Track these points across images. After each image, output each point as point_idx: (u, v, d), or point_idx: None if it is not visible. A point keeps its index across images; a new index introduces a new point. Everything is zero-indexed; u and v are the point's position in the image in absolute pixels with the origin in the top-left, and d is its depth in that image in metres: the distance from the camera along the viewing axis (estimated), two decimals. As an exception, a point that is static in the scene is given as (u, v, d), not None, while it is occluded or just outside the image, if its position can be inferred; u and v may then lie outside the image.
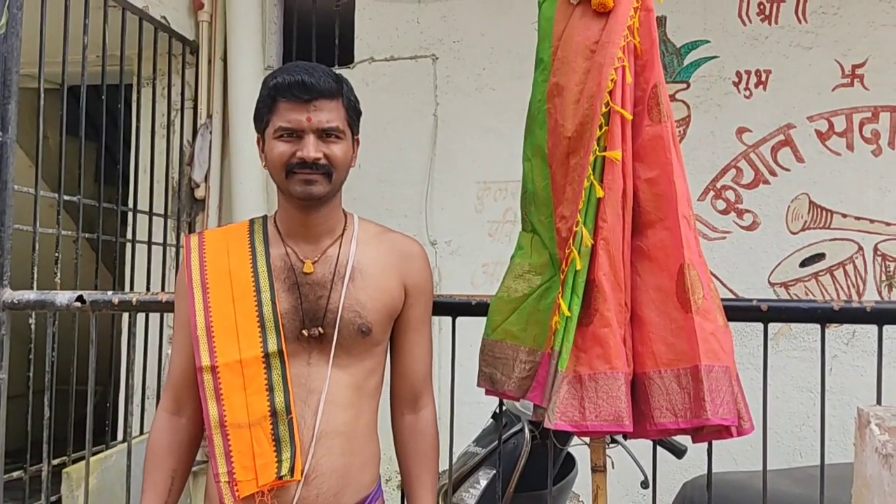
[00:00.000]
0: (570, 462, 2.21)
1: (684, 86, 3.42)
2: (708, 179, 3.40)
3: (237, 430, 1.46)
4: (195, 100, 3.76)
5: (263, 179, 3.58)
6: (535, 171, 1.64)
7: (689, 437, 1.54)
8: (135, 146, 3.59)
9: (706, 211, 3.39)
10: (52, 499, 2.75)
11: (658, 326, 1.50)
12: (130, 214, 3.58)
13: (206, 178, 3.71)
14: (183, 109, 3.74)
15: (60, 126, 2.98)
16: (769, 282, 3.34)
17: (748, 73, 3.38)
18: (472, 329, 1.81)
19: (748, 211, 3.38)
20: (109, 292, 2.04)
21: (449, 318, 1.89)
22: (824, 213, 3.31)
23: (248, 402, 1.46)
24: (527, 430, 2.09)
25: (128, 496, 2.10)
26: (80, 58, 2.99)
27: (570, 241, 1.53)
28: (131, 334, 2.16)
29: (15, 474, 2.90)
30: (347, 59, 3.73)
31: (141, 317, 3.36)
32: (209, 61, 3.73)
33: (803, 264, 3.33)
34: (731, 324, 1.56)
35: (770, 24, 3.38)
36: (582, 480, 2.00)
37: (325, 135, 1.49)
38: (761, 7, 3.39)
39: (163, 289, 3.60)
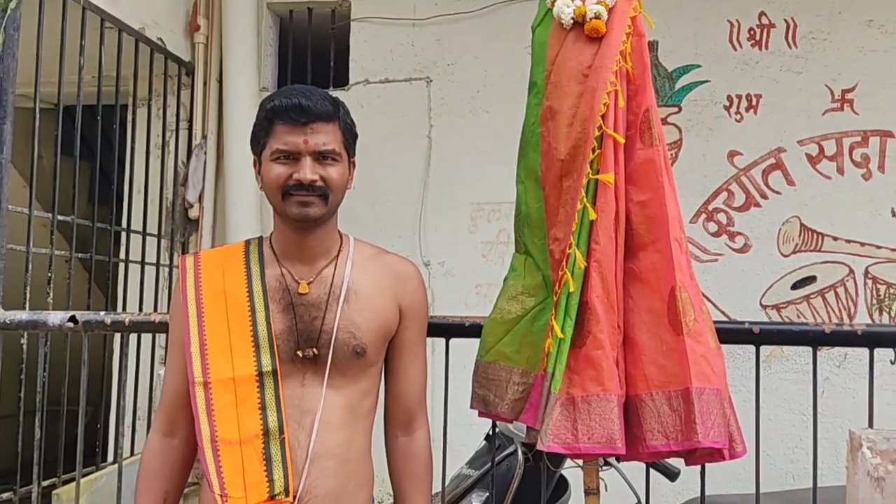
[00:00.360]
0: (563, 484, 2.21)
1: (676, 109, 3.46)
2: (700, 202, 3.43)
3: (228, 447, 1.46)
4: (190, 120, 3.78)
5: (257, 200, 3.58)
6: (528, 193, 1.65)
7: (682, 460, 1.54)
8: (129, 166, 3.60)
9: (698, 233, 3.41)
10: (41, 521, 2.72)
11: (649, 349, 1.51)
12: (124, 234, 3.58)
13: (200, 199, 3.72)
14: (178, 130, 3.75)
15: (55, 146, 2.98)
16: (761, 304, 3.36)
17: (739, 97, 3.42)
18: (465, 350, 1.81)
19: (740, 233, 3.40)
20: (102, 313, 2.04)
21: (442, 340, 1.89)
22: (815, 235, 3.34)
23: (240, 420, 1.46)
24: (520, 453, 2.09)
25: (118, 518, 2.08)
26: (76, 78, 3.00)
27: (564, 263, 1.54)
28: (123, 355, 2.15)
29: (4, 495, 2.87)
30: (342, 80, 3.76)
31: (133, 337, 3.35)
32: (205, 82, 3.75)
33: (795, 287, 3.34)
34: (724, 346, 1.57)
35: (760, 49, 3.42)
36: (575, 503, 1.99)
37: (321, 157, 1.50)
38: (752, 32, 3.43)
39: (155, 309, 3.59)
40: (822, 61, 3.38)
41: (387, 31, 3.70)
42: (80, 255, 3.16)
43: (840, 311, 3.31)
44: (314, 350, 1.50)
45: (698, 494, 1.80)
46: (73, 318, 2.00)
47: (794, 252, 3.35)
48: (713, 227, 3.42)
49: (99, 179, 3.27)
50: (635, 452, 1.51)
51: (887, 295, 3.27)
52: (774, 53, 3.41)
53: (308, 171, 1.48)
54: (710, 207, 3.42)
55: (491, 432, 2.04)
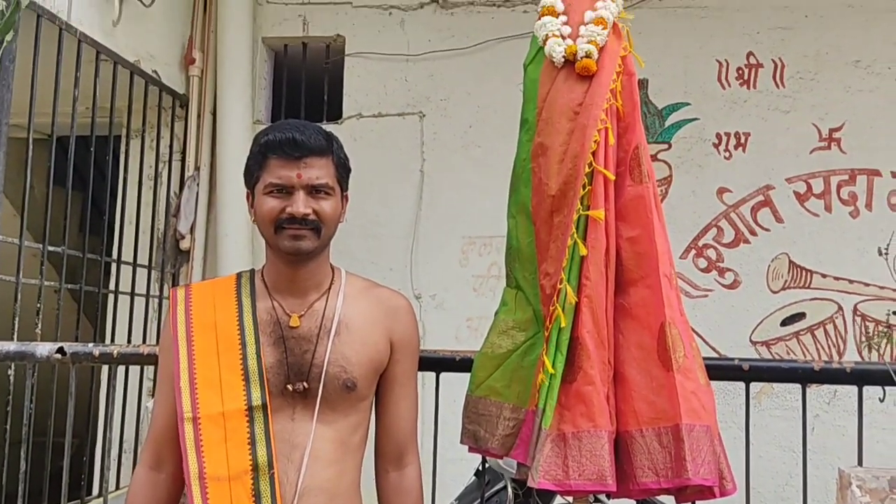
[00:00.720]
0: (553, 521, 2.19)
1: (666, 146, 3.49)
2: (690, 238, 3.45)
3: (216, 484, 1.44)
4: (183, 152, 3.79)
5: (249, 232, 3.59)
6: (519, 228, 1.66)
7: (672, 497, 1.53)
8: (121, 197, 3.60)
9: (688, 269, 3.42)
10: (24, 555, 2.68)
11: (639, 385, 1.51)
12: (114, 265, 3.57)
13: (192, 230, 3.72)
14: (171, 161, 3.76)
15: (47, 176, 2.99)
16: (751, 340, 3.37)
17: (728, 134, 3.46)
18: (456, 385, 1.81)
19: (729, 269, 3.42)
20: (90, 344, 2.02)
21: (433, 374, 1.89)
22: (804, 272, 3.36)
23: (229, 455, 1.45)
24: (510, 488, 2.08)
25: (102, 554, 2.05)
26: (70, 109, 3.01)
27: (554, 298, 1.54)
28: (111, 387, 2.13)
29: (-14, 529, 2.83)
30: (336, 114, 3.79)
31: (121, 369, 3.33)
32: (198, 114, 3.77)
33: (784, 323, 3.36)
34: (713, 382, 1.57)
35: (749, 88, 3.47)
36: (565, 540, 1.98)
37: (314, 191, 1.51)
38: (740, 72, 3.48)
39: (144, 341, 3.56)
40: (809, 101, 3.43)
41: (380, 66, 3.75)
42: (69, 285, 3.14)
43: (829, 348, 3.32)
44: (304, 384, 1.50)
45: (689, 532, 1.79)
46: (61, 350, 1.98)
47: (783, 289, 3.37)
48: (703, 262, 3.44)
49: (90, 210, 3.27)
50: (626, 489, 1.50)
51: (876, 332, 3.28)
52: (762, 92, 3.46)
53: (301, 204, 1.49)
54: (700, 243, 3.44)
55: (481, 468, 2.03)
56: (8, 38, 2.45)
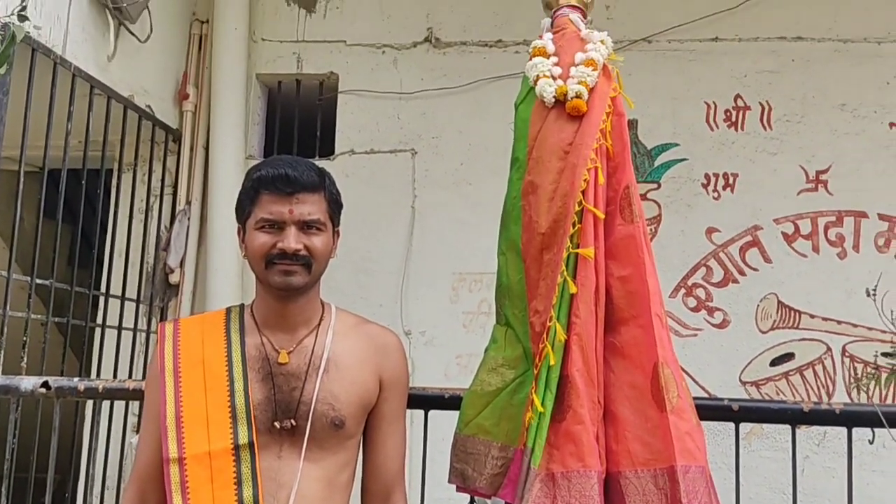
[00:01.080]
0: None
1: (655, 186, 3.52)
2: (679, 277, 3.46)
3: (202, 525, 1.42)
4: (175, 186, 3.79)
5: (239, 267, 3.58)
6: (509, 265, 1.67)
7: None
8: (111, 230, 3.59)
9: (677, 308, 3.43)
10: None
11: (634, 425, 1.50)
12: (102, 299, 3.55)
13: (182, 264, 3.71)
14: (162, 195, 3.76)
15: (37, 209, 2.98)
16: (740, 380, 3.36)
17: (716, 175, 3.49)
18: (444, 423, 1.79)
19: (718, 309, 3.43)
20: (75, 378, 2.00)
21: (421, 412, 1.87)
22: (792, 313, 3.37)
23: (216, 496, 1.43)
24: (498, 529, 2.05)
25: None
26: (63, 143, 3.02)
27: (544, 335, 1.54)
28: (95, 422, 2.11)
29: (-37, 567, 2.76)
30: (328, 150, 3.80)
31: (106, 404, 3.29)
32: (191, 149, 3.79)
33: (773, 363, 3.36)
34: (703, 422, 1.57)
35: (736, 130, 3.51)
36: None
37: (306, 227, 1.51)
38: (728, 114, 3.53)
39: (130, 376, 3.53)
40: (796, 143, 3.47)
41: (373, 103, 3.78)
42: (56, 318, 3.12)
43: (818, 388, 3.32)
44: (292, 421, 1.48)
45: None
46: (45, 384, 1.96)
47: (772, 329, 3.38)
48: (692, 302, 3.45)
49: (80, 243, 3.26)
50: (616, 530, 1.49)
51: (864, 374, 3.29)
52: (750, 134, 3.50)
53: (292, 240, 1.49)
54: (689, 283, 3.46)
55: (469, 508, 2.00)
56: (1, 71, 2.46)
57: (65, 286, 3.14)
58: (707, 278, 3.44)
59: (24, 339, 2.86)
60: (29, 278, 2.92)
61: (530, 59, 1.70)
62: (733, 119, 3.52)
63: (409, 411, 1.68)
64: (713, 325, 3.42)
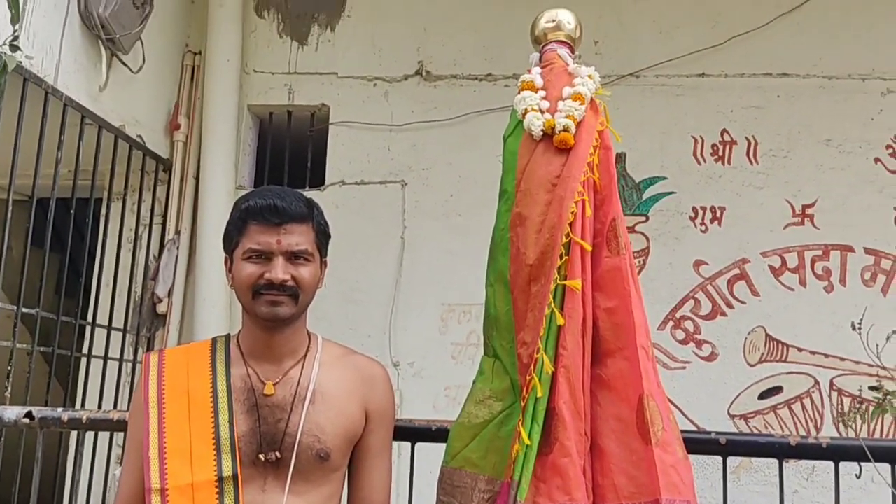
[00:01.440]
0: None
1: (643, 218, 3.54)
2: (667, 309, 3.47)
3: (184, 559, 1.40)
4: (164, 215, 3.79)
5: (227, 297, 3.56)
6: (497, 296, 1.67)
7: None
8: (99, 259, 3.58)
9: (666, 340, 3.43)
10: None
11: (619, 458, 1.50)
12: (88, 328, 3.52)
13: (170, 294, 3.69)
14: (151, 224, 3.76)
15: (26, 238, 2.97)
16: (729, 413, 3.36)
17: (704, 208, 3.52)
18: (432, 455, 1.78)
19: (707, 342, 3.43)
20: (59, 409, 1.99)
21: (408, 444, 1.86)
22: (780, 346, 3.38)
23: (198, 529, 1.41)
24: (485, 564, 2.02)
25: None
26: (52, 171, 3.02)
27: (531, 367, 1.54)
28: (78, 453, 2.08)
29: None
30: (319, 181, 3.82)
31: (90, 435, 3.25)
32: (182, 179, 3.79)
33: (762, 397, 3.36)
34: (690, 456, 1.56)
35: (723, 164, 3.55)
36: None
37: (293, 257, 1.52)
38: (714, 148, 3.57)
39: (116, 406, 3.49)
40: (782, 177, 3.50)
41: (364, 135, 3.80)
42: (42, 348, 3.09)
43: (807, 422, 3.31)
44: (277, 454, 1.47)
45: None
46: (29, 414, 1.94)
47: (760, 362, 3.38)
48: (680, 334, 3.45)
49: (67, 272, 3.25)
50: (603, 565, 1.47)
51: (852, 408, 3.29)
52: (737, 168, 3.54)
53: (280, 270, 1.49)
54: (678, 315, 3.46)
55: (456, 542, 1.98)
56: (-8, 100, 2.47)
57: (51, 315, 3.12)
58: (695, 311, 3.45)
59: (9, 368, 2.84)
60: (15, 307, 2.90)
61: (519, 93, 1.72)
62: (720, 153, 3.56)
63: (395, 443, 1.67)
64: (701, 358, 3.42)
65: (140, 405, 1.53)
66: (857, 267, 3.41)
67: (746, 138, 3.55)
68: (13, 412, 1.97)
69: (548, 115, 1.65)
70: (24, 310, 2.92)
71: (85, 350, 3.46)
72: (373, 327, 3.62)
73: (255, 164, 4.02)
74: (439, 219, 3.69)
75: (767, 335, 3.39)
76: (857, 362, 3.31)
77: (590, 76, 1.69)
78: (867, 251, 3.41)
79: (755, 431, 3.28)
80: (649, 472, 1.45)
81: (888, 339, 1.90)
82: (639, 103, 3.59)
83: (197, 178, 3.78)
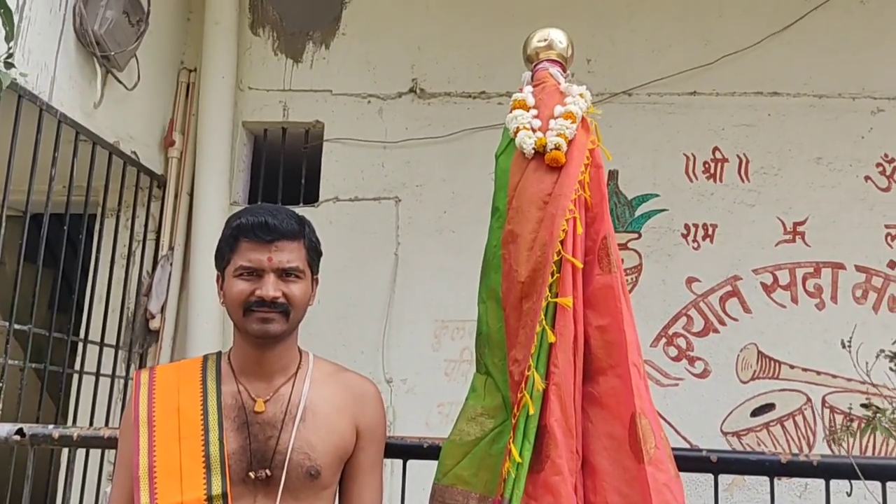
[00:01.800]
0: None
1: (636, 235, 3.56)
2: (660, 326, 3.48)
3: (172, 577, 1.39)
4: (158, 232, 3.79)
5: (220, 314, 3.56)
6: (489, 313, 1.68)
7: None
8: (92, 275, 3.58)
9: (658, 357, 3.44)
10: None
11: (611, 476, 1.50)
12: (81, 344, 3.51)
13: (163, 310, 3.69)
14: (145, 240, 3.76)
15: (19, 253, 2.97)
16: (722, 430, 3.36)
17: (696, 225, 3.54)
18: (423, 473, 1.78)
19: (699, 358, 3.44)
20: (50, 426, 1.98)
21: (400, 461, 1.86)
22: (772, 363, 3.38)
23: (188, 547, 1.40)
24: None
25: None
26: (46, 187, 3.02)
27: (523, 384, 1.54)
28: (69, 471, 2.07)
29: None
30: (313, 197, 3.82)
31: (81, 452, 3.23)
32: (176, 195, 3.79)
33: (754, 414, 3.36)
34: (682, 474, 1.56)
35: (715, 181, 3.57)
36: None
37: (285, 274, 1.52)
38: (706, 166, 3.59)
39: (107, 423, 3.48)
40: (773, 195, 3.53)
41: (358, 151, 3.81)
42: (34, 364, 3.08)
43: (799, 439, 3.32)
44: (267, 471, 1.47)
45: None
46: (20, 431, 1.94)
47: (752, 379, 3.39)
48: (673, 351, 3.46)
49: (60, 287, 3.24)
50: (595, 583, 1.47)
51: (843, 426, 3.29)
52: (728, 186, 3.56)
53: (271, 287, 1.49)
54: (670, 332, 3.47)
55: (447, 560, 1.97)
56: (-14, 116, 2.47)
57: (43, 331, 3.11)
58: (688, 328, 3.46)
59: (1, 384, 2.82)
60: (7, 323, 2.90)
61: (511, 112, 1.73)
62: (712, 171, 3.58)
63: (387, 461, 1.67)
64: (694, 375, 3.43)
65: (130, 424, 1.53)
66: (849, 284, 3.42)
67: (738, 156, 3.58)
68: (4, 429, 1.96)
69: (539, 134, 1.66)
70: (17, 326, 2.91)
71: (77, 366, 3.45)
72: (366, 343, 3.61)
73: (250, 180, 4.02)
74: (433, 235, 3.69)
75: (760, 352, 3.40)
76: (849, 379, 3.32)
77: (581, 95, 1.70)
78: (858, 268, 3.43)
79: (748, 449, 3.28)
80: (642, 490, 1.45)
81: (877, 357, 1.91)
82: (631, 121, 3.61)
83: (191, 195, 3.78)
